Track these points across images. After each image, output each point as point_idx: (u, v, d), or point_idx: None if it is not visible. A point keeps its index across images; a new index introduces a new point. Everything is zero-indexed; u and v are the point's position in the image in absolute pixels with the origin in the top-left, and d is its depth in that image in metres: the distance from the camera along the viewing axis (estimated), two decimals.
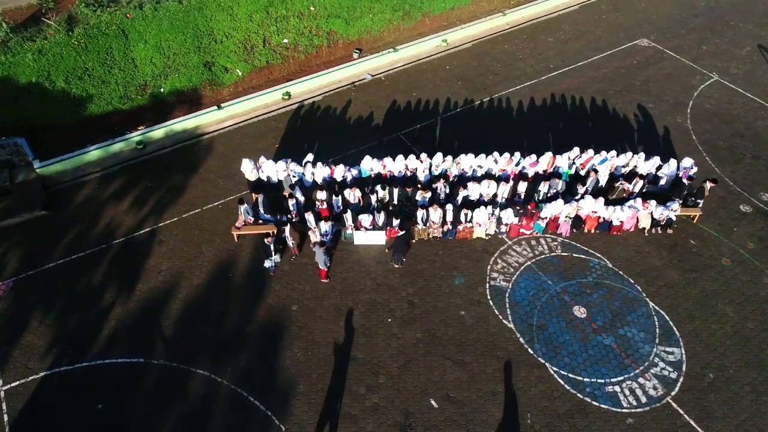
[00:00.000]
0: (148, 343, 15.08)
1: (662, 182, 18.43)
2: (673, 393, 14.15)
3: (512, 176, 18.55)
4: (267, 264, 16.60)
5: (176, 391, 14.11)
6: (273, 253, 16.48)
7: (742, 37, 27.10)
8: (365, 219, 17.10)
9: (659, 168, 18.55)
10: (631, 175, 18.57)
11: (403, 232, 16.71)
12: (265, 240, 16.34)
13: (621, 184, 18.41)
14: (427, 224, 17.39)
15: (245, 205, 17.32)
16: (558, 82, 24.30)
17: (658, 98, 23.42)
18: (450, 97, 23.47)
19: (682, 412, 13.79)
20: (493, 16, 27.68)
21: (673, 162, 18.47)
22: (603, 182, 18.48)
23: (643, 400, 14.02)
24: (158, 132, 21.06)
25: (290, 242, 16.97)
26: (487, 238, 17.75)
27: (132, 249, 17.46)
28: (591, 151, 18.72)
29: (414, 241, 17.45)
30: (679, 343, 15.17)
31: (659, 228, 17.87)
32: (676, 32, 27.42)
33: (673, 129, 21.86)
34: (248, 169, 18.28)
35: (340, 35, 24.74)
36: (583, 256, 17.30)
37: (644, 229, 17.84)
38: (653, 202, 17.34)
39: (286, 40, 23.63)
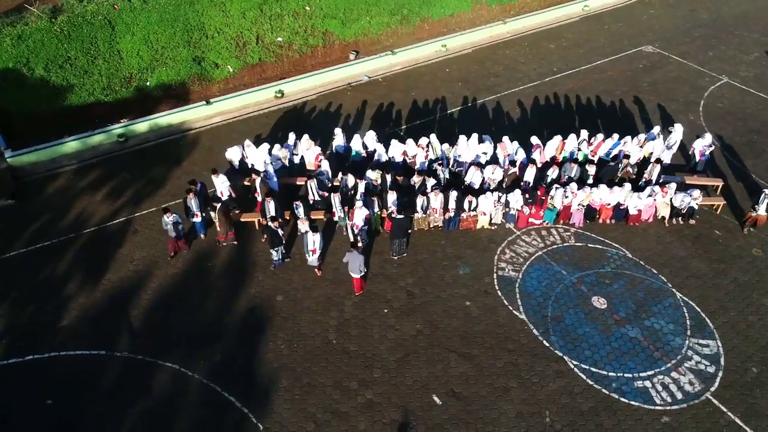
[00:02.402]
0: (112, 335, 13.29)
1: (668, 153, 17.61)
2: (712, 389, 12.27)
3: (517, 165, 17.22)
4: (274, 256, 14.70)
5: (139, 385, 12.22)
6: (282, 242, 14.58)
7: (748, 45, 26.43)
8: (359, 215, 15.05)
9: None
10: (646, 162, 17.26)
11: (401, 216, 15.05)
12: (272, 224, 14.24)
13: (621, 164, 17.07)
14: (428, 212, 15.89)
15: (172, 216, 14.53)
16: (562, 84, 23.37)
17: (667, 98, 22.42)
18: (450, 97, 22.46)
19: (725, 410, 11.87)
20: (493, 24, 27.13)
21: (678, 127, 17.95)
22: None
23: (679, 396, 12.13)
24: (142, 125, 19.90)
25: (219, 228, 15.20)
26: (493, 228, 16.23)
27: (103, 239, 15.90)
28: (600, 136, 17.54)
29: (410, 232, 15.87)
30: (714, 335, 13.38)
31: (680, 218, 16.38)
32: (681, 40, 26.79)
33: (686, 126, 20.52)
34: (235, 155, 16.97)
35: (336, 36, 23.99)
36: (600, 247, 15.72)
37: (663, 218, 16.36)
38: (673, 186, 15.93)
39: (280, 39, 22.83)
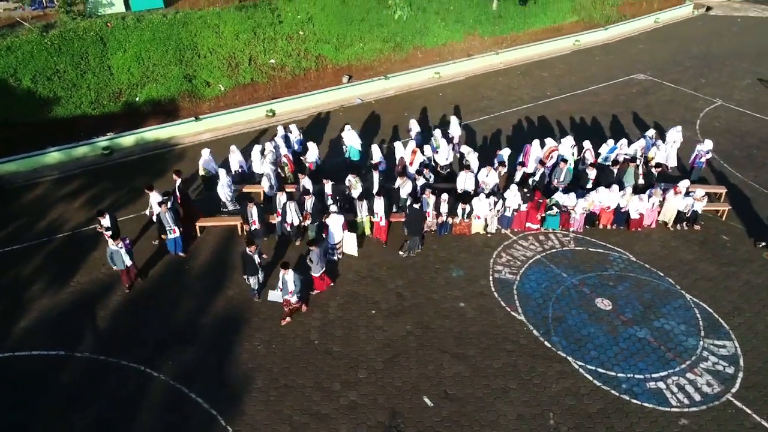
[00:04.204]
0: (74, 336, 12.19)
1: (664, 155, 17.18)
2: (733, 390, 11.09)
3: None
4: (252, 282, 12.97)
5: (99, 386, 11.04)
6: (259, 268, 12.69)
7: (740, 73, 26.58)
8: (334, 222, 13.87)
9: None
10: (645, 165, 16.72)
11: (416, 206, 14.12)
12: (248, 250, 12.33)
13: (625, 161, 16.50)
14: None
15: (117, 246, 12.55)
16: (556, 106, 23.22)
17: (663, 118, 22.17)
18: (444, 117, 22.20)
19: (749, 411, 10.66)
20: (486, 54, 27.39)
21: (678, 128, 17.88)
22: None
23: (697, 398, 10.93)
24: (128, 139, 19.44)
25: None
26: (488, 234, 15.41)
27: (76, 243, 15.04)
28: (588, 143, 17.22)
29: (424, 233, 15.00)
30: (730, 336, 12.30)
31: (685, 223, 15.62)
32: (673, 69, 26.97)
33: (684, 142, 20.22)
34: (204, 155, 16.34)
35: (329, 60, 24.08)
36: (601, 250, 14.86)
37: (666, 223, 15.62)
38: (686, 183, 15.22)
39: (272, 61, 22.86)
